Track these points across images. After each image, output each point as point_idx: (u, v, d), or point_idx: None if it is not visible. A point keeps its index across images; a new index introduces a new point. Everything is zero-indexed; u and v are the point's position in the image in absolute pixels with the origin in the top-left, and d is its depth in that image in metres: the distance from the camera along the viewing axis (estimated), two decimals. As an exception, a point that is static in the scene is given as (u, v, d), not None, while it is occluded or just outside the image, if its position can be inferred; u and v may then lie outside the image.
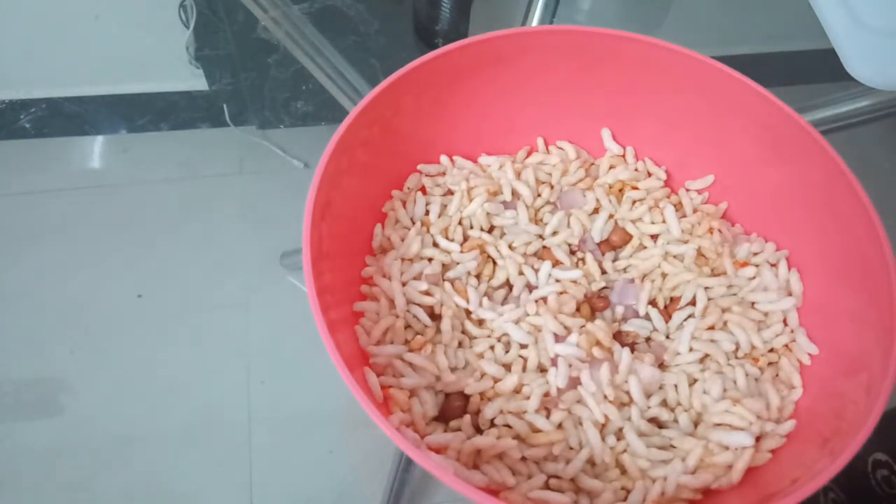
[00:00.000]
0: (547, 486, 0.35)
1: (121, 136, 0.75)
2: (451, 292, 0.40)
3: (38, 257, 0.64)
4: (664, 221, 0.44)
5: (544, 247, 0.44)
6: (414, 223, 0.43)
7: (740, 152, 0.43)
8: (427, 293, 0.40)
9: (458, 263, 0.42)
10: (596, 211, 0.45)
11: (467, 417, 0.37)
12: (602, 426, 0.37)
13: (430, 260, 0.42)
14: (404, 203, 0.44)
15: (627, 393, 0.38)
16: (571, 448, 0.36)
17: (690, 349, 0.39)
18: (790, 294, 0.41)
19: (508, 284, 0.43)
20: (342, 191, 0.38)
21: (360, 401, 0.29)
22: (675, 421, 0.38)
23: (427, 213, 0.44)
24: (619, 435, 0.37)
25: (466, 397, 0.38)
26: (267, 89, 0.68)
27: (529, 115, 0.47)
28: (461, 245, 0.42)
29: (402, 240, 0.42)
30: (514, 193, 0.45)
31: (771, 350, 0.40)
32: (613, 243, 0.44)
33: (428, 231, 0.43)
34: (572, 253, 0.44)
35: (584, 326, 0.39)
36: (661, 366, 0.40)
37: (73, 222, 0.67)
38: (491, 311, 0.40)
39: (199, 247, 0.66)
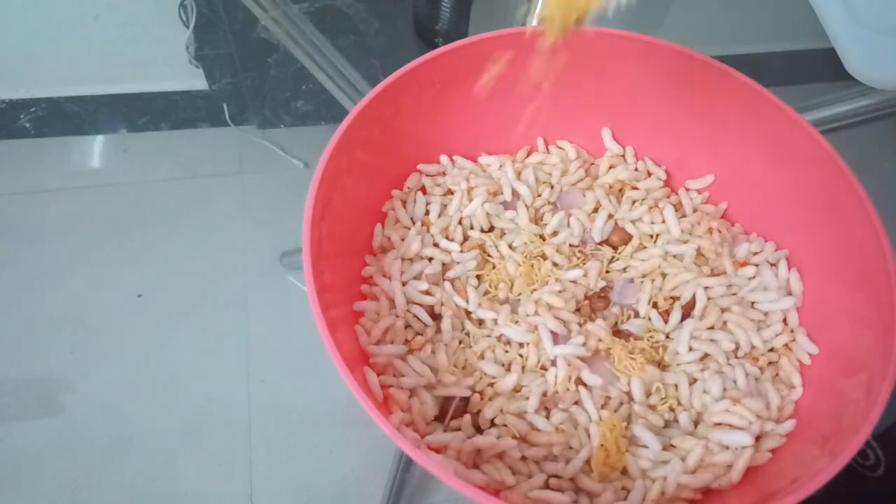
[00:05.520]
0: (547, 486, 0.35)
1: (121, 135, 0.75)
2: (451, 292, 0.40)
3: (38, 257, 0.64)
4: (664, 221, 0.44)
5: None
6: (414, 223, 0.43)
7: (740, 152, 0.43)
8: (427, 293, 0.40)
9: (458, 263, 0.42)
10: (596, 211, 0.45)
11: (467, 417, 0.37)
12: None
13: (430, 260, 0.42)
14: (404, 203, 0.44)
15: (628, 393, 0.38)
16: (571, 448, 0.36)
17: (690, 349, 0.39)
18: (790, 293, 0.41)
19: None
20: (342, 191, 0.38)
21: (360, 401, 0.29)
22: (675, 421, 0.38)
23: (427, 212, 0.44)
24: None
25: (466, 397, 0.38)
26: (267, 89, 0.68)
27: (529, 114, 0.47)
28: (461, 245, 0.42)
29: (402, 239, 0.42)
30: (514, 193, 0.45)
31: (771, 349, 0.40)
32: (613, 243, 0.44)
33: (428, 231, 0.43)
34: (573, 253, 0.44)
35: (583, 325, 0.39)
36: (661, 366, 0.40)
37: (73, 222, 0.67)
38: (490, 311, 0.40)
39: (199, 247, 0.66)
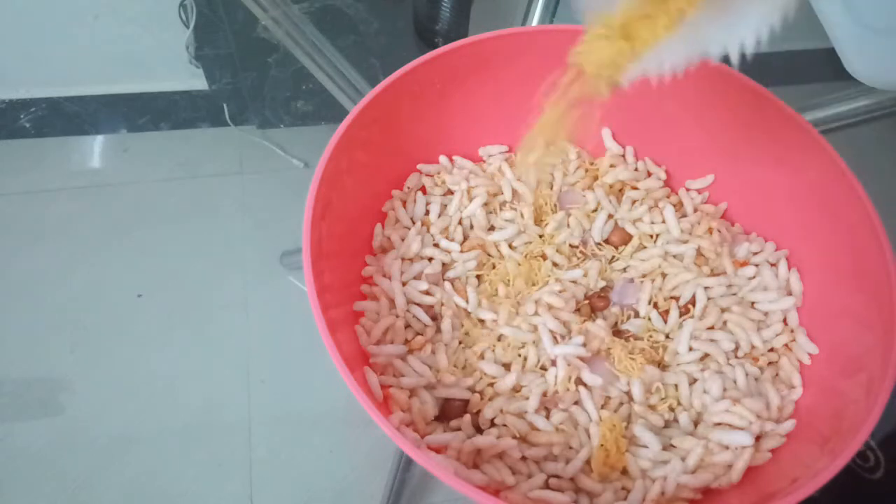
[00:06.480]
0: (547, 486, 0.35)
1: (121, 135, 0.75)
2: (451, 292, 0.40)
3: (38, 257, 0.64)
4: (664, 221, 0.44)
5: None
6: (414, 223, 0.43)
7: (740, 152, 0.43)
8: (427, 293, 0.40)
9: (458, 263, 0.42)
10: (595, 211, 0.45)
11: (467, 417, 0.37)
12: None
13: (430, 260, 0.42)
14: (404, 203, 0.44)
15: (628, 393, 0.38)
16: (571, 448, 0.36)
17: (690, 349, 0.39)
18: (790, 293, 0.41)
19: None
20: (342, 191, 0.38)
21: (360, 401, 0.29)
22: (675, 421, 0.38)
23: (427, 212, 0.44)
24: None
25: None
26: (267, 89, 0.68)
27: (529, 114, 0.47)
28: (461, 245, 0.42)
29: (402, 239, 0.42)
30: (515, 193, 0.45)
31: (771, 349, 0.40)
32: (613, 243, 0.44)
33: (428, 231, 0.43)
34: (573, 253, 0.44)
35: (583, 324, 0.39)
36: (661, 366, 0.40)
37: (73, 222, 0.67)
38: (490, 311, 0.40)
39: (199, 247, 0.66)
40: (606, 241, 0.44)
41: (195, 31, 0.66)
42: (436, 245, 0.42)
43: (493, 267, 0.42)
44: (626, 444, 0.36)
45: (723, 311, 0.41)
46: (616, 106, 0.46)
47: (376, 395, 0.35)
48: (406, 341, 0.39)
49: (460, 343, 0.40)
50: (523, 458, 0.36)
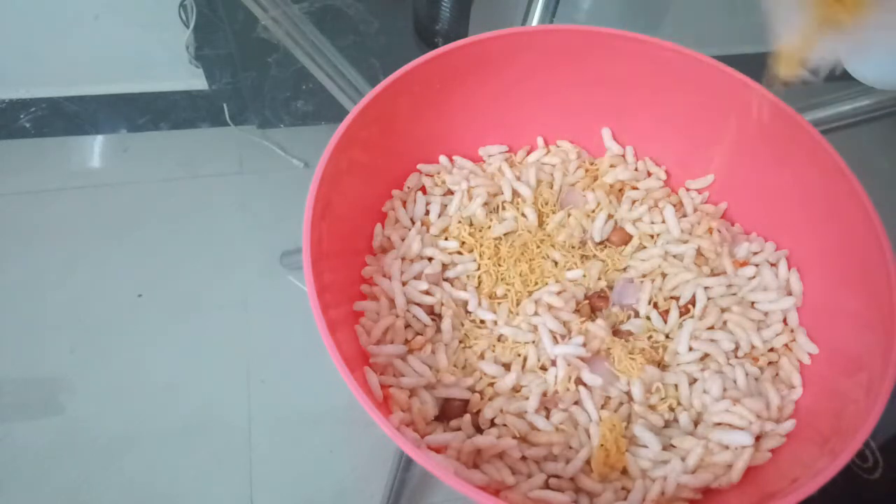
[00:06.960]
0: (547, 486, 0.35)
1: (121, 135, 0.75)
2: (451, 292, 0.40)
3: (38, 257, 0.64)
4: (664, 221, 0.44)
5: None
6: (414, 223, 0.43)
7: (740, 152, 0.43)
8: (427, 293, 0.40)
9: (458, 263, 0.42)
10: (595, 211, 0.45)
11: (467, 417, 0.37)
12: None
13: (430, 260, 0.42)
14: (404, 203, 0.44)
15: (628, 393, 0.38)
16: (571, 448, 0.36)
17: (690, 349, 0.39)
18: (790, 293, 0.41)
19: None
20: (342, 191, 0.38)
21: (360, 401, 0.29)
22: (675, 421, 0.38)
23: (427, 212, 0.44)
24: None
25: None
26: (267, 89, 0.68)
27: (529, 114, 0.47)
28: (461, 245, 0.42)
29: (403, 240, 0.42)
30: (515, 193, 0.45)
31: (771, 349, 0.40)
32: (613, 243, 0.44)
33: (428, 231, 0.43)
34: (573, 253, 0.44)
35: (583, 323, 0.39)
36: (661, 366, 0.40)
37: (73, 222, 0.67)
38: (490, 311, 0.40)
39: (199, 247, 0.66)
40: (606, 241, 0.44)
41: (195, 31, 0.66)
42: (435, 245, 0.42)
43: (494, 266, 0.42)
44: (626, 444, 0.36)
45: (723, 311, 0.41)
46: (616, 105, 0.46)
47: (376, 395, 0.35)
48: (406, 341, 0.39)
49: (460, 343, 0.40)
50: (523, 458, 0.36)
